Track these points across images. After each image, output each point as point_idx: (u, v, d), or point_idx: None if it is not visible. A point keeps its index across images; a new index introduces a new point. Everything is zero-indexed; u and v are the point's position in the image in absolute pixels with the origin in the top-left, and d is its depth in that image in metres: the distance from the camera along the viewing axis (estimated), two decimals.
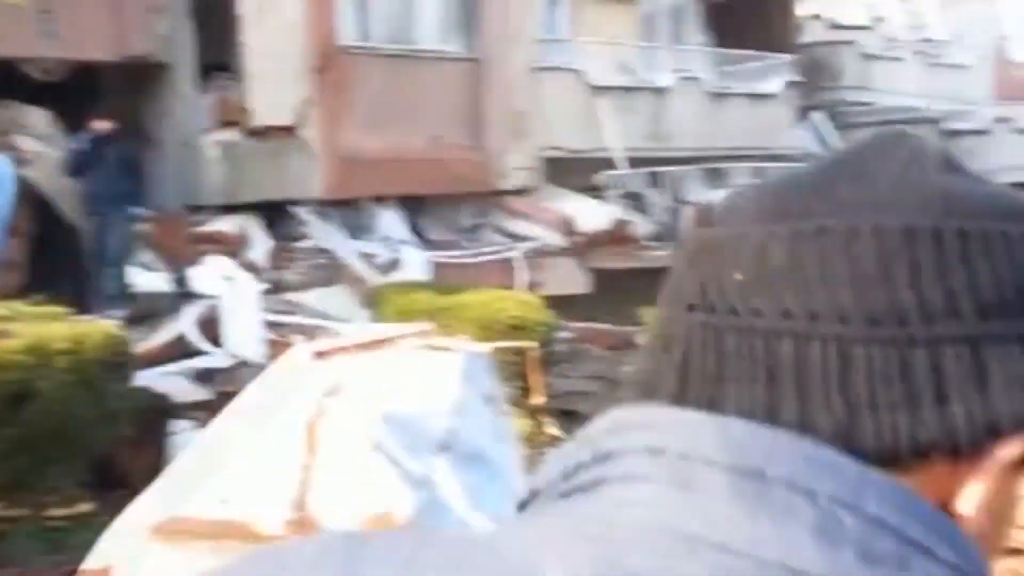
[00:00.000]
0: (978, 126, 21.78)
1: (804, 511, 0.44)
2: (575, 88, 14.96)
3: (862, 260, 0.48)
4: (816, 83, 20.27)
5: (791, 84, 17.94)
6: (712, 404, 0.49)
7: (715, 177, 15.63)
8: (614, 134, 14.84)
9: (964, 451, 0.48)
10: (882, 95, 20.95)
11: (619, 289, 12.32)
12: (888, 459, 0.47)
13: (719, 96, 16.87)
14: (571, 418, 7.56)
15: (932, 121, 20.66)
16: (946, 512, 0.47)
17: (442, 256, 12.34)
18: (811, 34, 22.16)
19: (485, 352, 4.48)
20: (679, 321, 0.52)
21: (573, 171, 14.57)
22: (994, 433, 0.48)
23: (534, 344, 6.02)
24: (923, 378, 0.47)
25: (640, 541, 0.44)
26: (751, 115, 17.19)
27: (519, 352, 6.38)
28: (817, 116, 19.76)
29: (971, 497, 0.48)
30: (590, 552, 0.44)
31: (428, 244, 12.93)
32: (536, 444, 6.67)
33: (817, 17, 23.34)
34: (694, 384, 0.50)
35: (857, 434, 0.47)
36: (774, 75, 17.74)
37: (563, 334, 9.69)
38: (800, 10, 21.18)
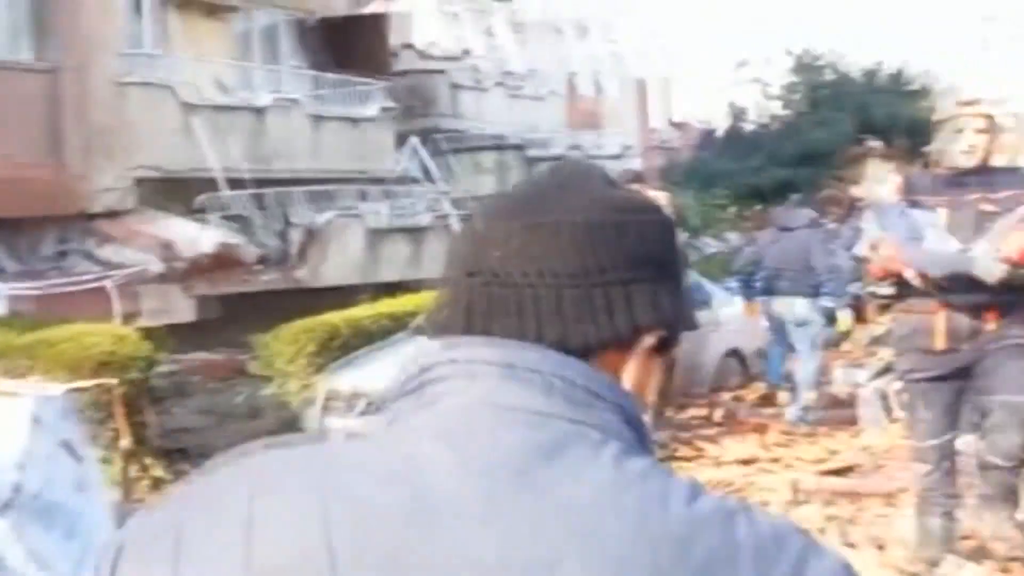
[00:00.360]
0: (555, 152, 23.84)
1: (536, 381, 0.78)
2: (168, 105, 14.14)
3: (565, 241, 0.82)
4: (412, 109, 20.98)
5: (388, 109, 18.38)
6: (486, 332, 0.82)
7: (321, 199, 15.55)
8: (213, 154, 14.23)
9: (624, 345, 0.84)
10: (472, 123, 22.19)
11: (228, 316, 11.80)
12: (585, 353, 0.82)
13: (319, 118, 16.85)
14: (181, 456, 7.06)
15: (517, 148, 22.26)
16: (617, 382, 0.84)
17: (19, 288, 11.02)
18: (406, 62, 22.94)
19: (60, 394, 4.02)
20: (462, 283, 0.84)
21: (172, 192, 13.77)
22: (639, 333, 0.84)
23: (114, 381, 5.49)
24: (600, 305, 0.82)
25: (451, 413, 0.78)
26: (351, 138, 17.37)
27: (109, 391, 5.81)
28: (415, 141, 20.43)
29: (629, 371, 0.85)
30: (426, 424, 0.78)
31: (2, 275, 11.50)
32: (134, 488, 6.13)
33: (411, 46, 24.21)
34: (475, 322, 0.83)
35: (567, 340, 0.81)
36: (371, 100, 18.07)
37: (166, 367, 9.05)
38: (394, 38, 21.84)
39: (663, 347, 0.87)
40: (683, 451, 6.94)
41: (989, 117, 3.72)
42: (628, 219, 0.85)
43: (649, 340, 0.85)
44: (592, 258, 0.81)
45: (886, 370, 6.90)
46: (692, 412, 8.19)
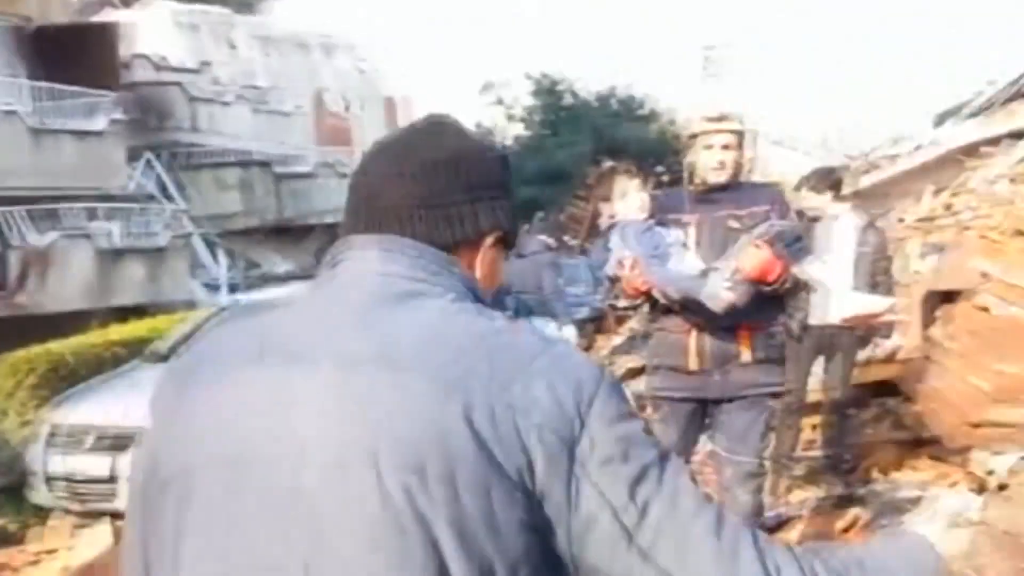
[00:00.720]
0: (305, 170, 23.35)
1: (404, 259, 1.15)
2: None
3: (426, 175, 1.19)
4: (146, 123, 19.86)
5: (118, 122, 17.26)
6: (379, 231, 1.19)
7: (45, 219, 14.32)
8: None
9: (473, 243, 1.21)
10: (213, 137, 21.31)
11: None
12: (444, 248, 1.18)
13: (40, 132, 15.54)
14: None
15: (264, 164, 21.61)
16: (466, 267, 1.21)
17: None
18: (139, 73, 21.70)
19: None
20: (359, 205, 1.22)
21: None
22: (482, 235, 1.21)
23: None
24: (452, 217, 1.19)
25: (352, 280, 1.16)
26: (78, 153, 16.14)
27: None
28: (150, 156, 19.34)
29: (478, 261, 1.22)
30: (334, 289, 1.16)
31: None
32: None
33: (144, 57, 22.94)
34: (369, 225, 1.20)
35: (431, 239, 1.18)
36: (99, 113, 16.90)
37: None
38: (125, 48, 20.60)
39: (502, 245, 1.26)
40: None
41: (738, 133, 3.69)
42: (472, 156, 1.24)
43: (490, 240, 1.23)
44: (445, 185, 1.20)
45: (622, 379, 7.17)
46: None
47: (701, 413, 3.66)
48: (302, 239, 23.01)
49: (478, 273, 1.22)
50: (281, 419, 1.04)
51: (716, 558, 1.02)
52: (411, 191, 1.19)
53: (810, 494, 4.79)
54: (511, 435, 1.01)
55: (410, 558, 0.98)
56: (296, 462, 1.02)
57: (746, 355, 3.51)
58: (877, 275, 4.69)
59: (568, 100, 28.79)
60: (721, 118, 3.70)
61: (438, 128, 1.26)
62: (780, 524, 4.41)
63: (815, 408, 5.67)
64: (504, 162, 1.29)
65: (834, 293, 3.63)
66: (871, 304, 3.65)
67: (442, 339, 1.07)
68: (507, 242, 1.26)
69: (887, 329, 5.20)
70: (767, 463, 3.81)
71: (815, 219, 4.83)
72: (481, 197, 1.22)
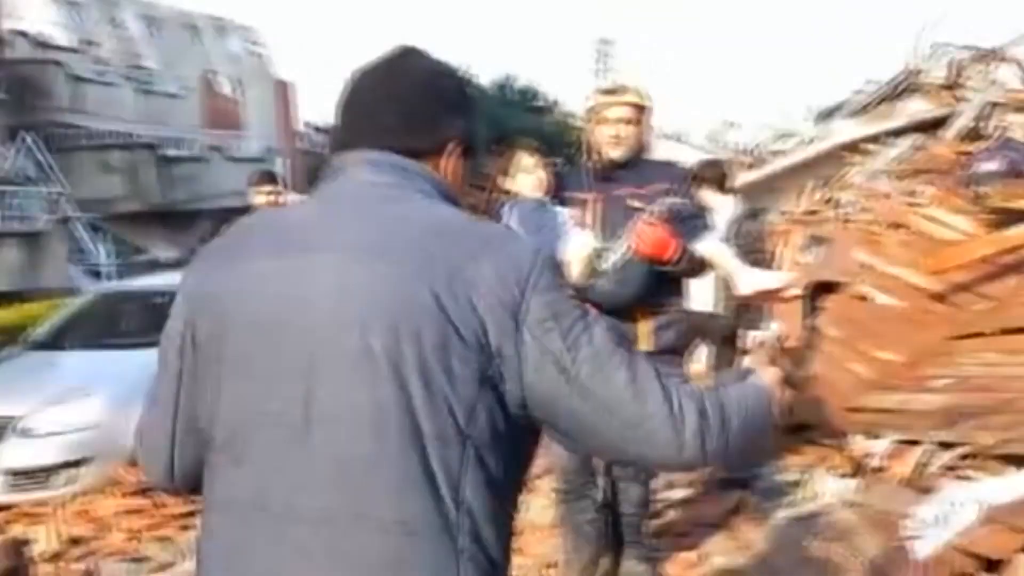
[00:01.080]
0: (193, 153, 22.72)
1: (385, 168, 1.46)
2: None
3: (397, 97, 1.51)
4: (23, 102, 19.02)
5: None
6: (368, 145, 1.49)
7: None
8: None
9: (440, 151, 1.51)
10: (96, 119, 20.54)
11: None
12: (417, 156, 1.49)
13: None
14: None
15: (149, 147, 20.92)
16: (436, 171, 1.51)
17: None
18: (16, 51, 20.75)
19: None
20: (352, 122, 1.52)
21: None
22: (447, 143, 1.52)
23: None
24: (420, 129, 1.49)
25: (348, 189, 1.46)
26: None
27: None
28: (27, 136, 18.52)
29: (445, 167, 1.52)
30: (335, 196, 1.47)
31: None
32: None
33: (23, 34, 21.95)
34: (356, 142, 1.49)
35: (407, 148, 1.48)
36: None
37: None
38: (4, 25, 19.67)
39: (466, 153, 1.55)
40: None
41: (636, 107, 3.49)
42: (438, 79, 1.54)
43: (453, 147, 1.52)
44: (418, 105, 1.50)
45: None
46: None
47: None
48: (189, 224, 22.38)
49: (449, 176, 1.53)
50: (294, 293, 1.36)
51: (630, 388, 1.35)
52: (392, 110, 1.50)
53: (694, 477, 4.89)
54: (467, 306, 1.32)
55: (384, 397, 1.30)
56: (304, 324, 1.34)
57: (643, 343, 3.32)
58: (758, 264, 4.80)
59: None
60: (617, 90, 3.54)
61: (410, 58, 1.55)
62: (664, 508, 4.50)
63: None
64: (463, 83, 1.62)
65: (734, 270, 3.54)
66: (773, 279, 3.64)
67: (414, 231, 1.38)
68: (469, 151, 1.56)
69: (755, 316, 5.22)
70: None
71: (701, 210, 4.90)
72: (447, 112, 1.53)
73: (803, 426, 5.19)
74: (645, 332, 3.36)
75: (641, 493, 3.59)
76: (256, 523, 1.35)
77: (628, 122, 3.46)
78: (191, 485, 1.50)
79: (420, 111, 1.50)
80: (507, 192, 3.75)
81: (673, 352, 3.43)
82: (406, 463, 1.30)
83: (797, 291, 3.87)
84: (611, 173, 3.47)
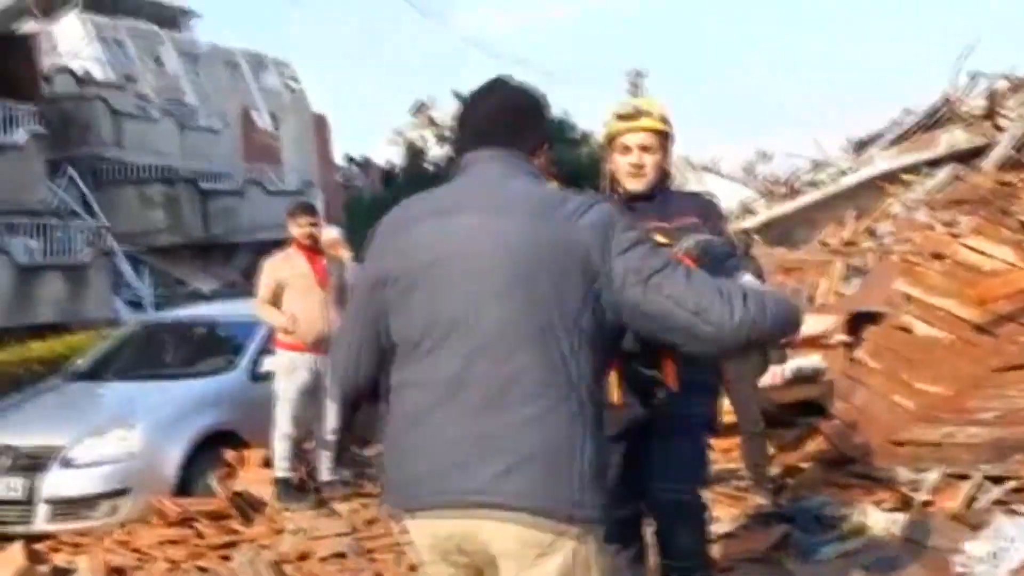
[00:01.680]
0: (232, 187, 23.01)
1: (502, 159, 2.16)
2: None
3: (511, 111, 2.23)
4: (67, 137, 19.39)
5: (38, 136, 16.78)
6: (488, 146, 2.18)
7: None
8: None
9: (536, 150, 2.23)
10: (137, 153, 20.88)
11: None
12: (526, 152, 2.20)
13: None
14: None
15: (190, 181, 21.23)
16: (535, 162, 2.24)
17: None
18: (60, 87, 21.20)
19: None
20: (473, 131, 2.23)
21: None
22: (540, 145, 2.24)
23: None
24: (528, 134, 2.22)
25: (480, 174, 2.15)
26: None
27: None
28: (72, 171, 18.87)
29: (538, 161, 2.23)
30: (471, 179, 2.16)
31: None
32: None
33: (66, 70, 22.43)
34: (481, 143, 2.19)
35: (518, 147, 2.19)
36: (19, 126, 16.42)
37: None
38: (47, 60, 20.12)
39: (548, 151, 2.24)
40: (368, 487, 6.81)
41: (658, 133, 3.20)
42: (530, 98, 2.24)
43: (541, 146, 2.21)
44: (522, 116, 2.20)
45: None
46: (377, 448, 8.08)
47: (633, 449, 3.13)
48: (229, 257, 22.62)
49: (540, 167, 2.20)
50: (459, 240, 2.04)
51: (690, 286, 1.98)
52: (503, 121, 2.18)
53: (738, 511, 4.83)
54: (575, 244, 1.99)
55: (528, 303, 1.98)
56: (470, 260, 2.02)
57: (672, 382, 2.83)
58: None
59: None
60: (634, 114, 3.22)
61: (507, 83, 2.26)
62: (710, 541, 4.45)
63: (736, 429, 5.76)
64: (545, 99, 2.28)
65: None
66: (817, 324, 3.36)
67: (532, 197, 2.08)
68: (550, 149, 2.26)
69: (781, 354, 5.04)
70: (706, 496, 3.34)
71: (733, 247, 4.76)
72: (536, 122, 2.24)
73: (847, 459, 5.12)
74: (672, 374, 2.85)
75: (689, 543, 3.13)
76: (441, 392, 2.00)
77: (647, 149, 3.19)
78: (368, 390, 2.22)
79: (521, 122, 2.21)
80: None
81: (701, 390, 3.15)
82: (543, 345, 1.96)
83: (842, 336, 3.50)
84: (634, 204, 3.17)
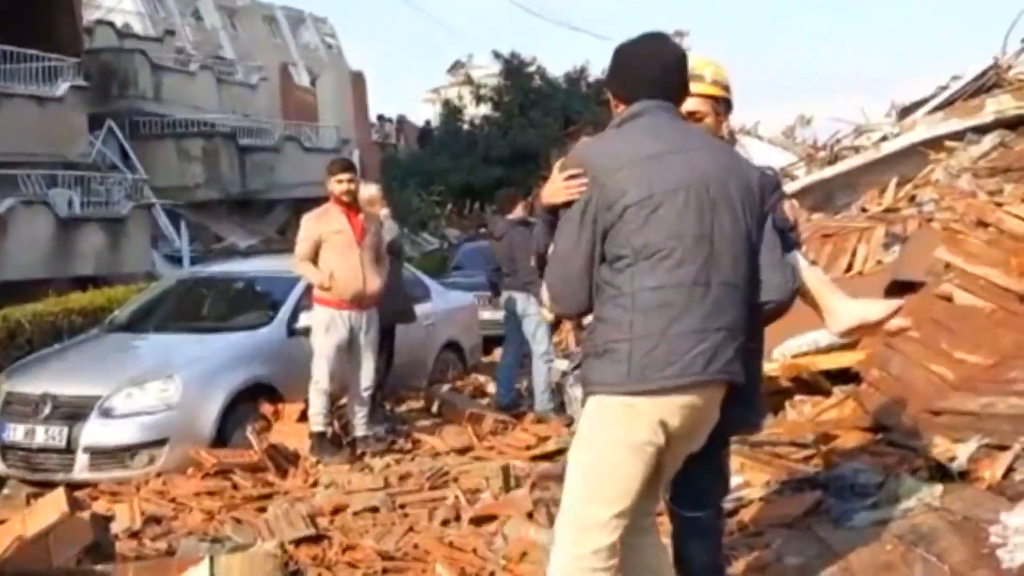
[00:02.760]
0: (269, 143, 23.06)
1: (671, 110, 2.75)
2: None
3: (675, 66, 2.75)
4: (107, 90, 19.49)
5: (79, 89, 16.88)
6: (658, 97, 2.71)
7: (6, 184, 14.01)
8: None
9: (679, 103, 2.87)
10: (176, 107, 20.96)
11: None
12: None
13: (1, 97, 15.15)
14: None
15: (227, 135, 21.28)
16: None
17: None
18: (100, 40, 21.29)
19: None
20: (645, 82, 2.71)
21: None
22: (684, 97, 2.89)
23: None
24: (681, 91, 2.80)
25: (659, 121, 2.69)
26: (37, 119, 15.77)
27: None
28: (112, 124, 18.98)
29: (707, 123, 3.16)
30: (654, 124, 2.68)
31: None
32: None
33: (107, 23, 22.52)
34: (652, 94, 2.70)
35: (677, 103, 2.78)
36: (60, 79, 16.52)
37: None
38: (87, 14, 20.19)
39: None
40: (401, 443, 6.87)
41: (710, 98, 3.05)
42: (681, 57, 2.76)
43: (684, 102, 2.84)
44: (680, 78, 2.75)
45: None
46: (411, 405, 8.14)
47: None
48: (265, 213, 22.73)
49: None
50: (691, 172, 2.59)
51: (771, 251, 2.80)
52: (678, 78, 2.70)
53: (770, 476, 4.81)
54: (756, 186, 2.73)
55: (742, 222, 2.65)
56: (700, 189, 2.58)
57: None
58: None
59: (537, 81, 28.64)
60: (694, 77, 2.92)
61: (672, 42, 2.76)
62: (739, 507, 4.44)
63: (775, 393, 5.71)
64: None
65: (829, 300, 3.08)
66: (877, 309, 3.12)
67: (721, 145, 2.82)
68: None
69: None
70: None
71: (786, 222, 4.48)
72: (686, 79, 2.75)
73: (883, 428, 5.08)
74: None
75: (703, 559, 3.00)
76: (689, 293, 2.54)
77: (700, 116, 3.00)
78: (588, 306, 2.64)
79: (685, 81, 2.73)
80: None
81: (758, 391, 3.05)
82: (746, 254, 2.66)
83: (902, 322, 3.22)
84: None
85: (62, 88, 16.38)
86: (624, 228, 2.53)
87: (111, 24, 22.61)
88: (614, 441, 2.57)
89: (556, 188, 2.68)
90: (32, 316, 8.29)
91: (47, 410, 6.37)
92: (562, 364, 8.15)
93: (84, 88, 17.07)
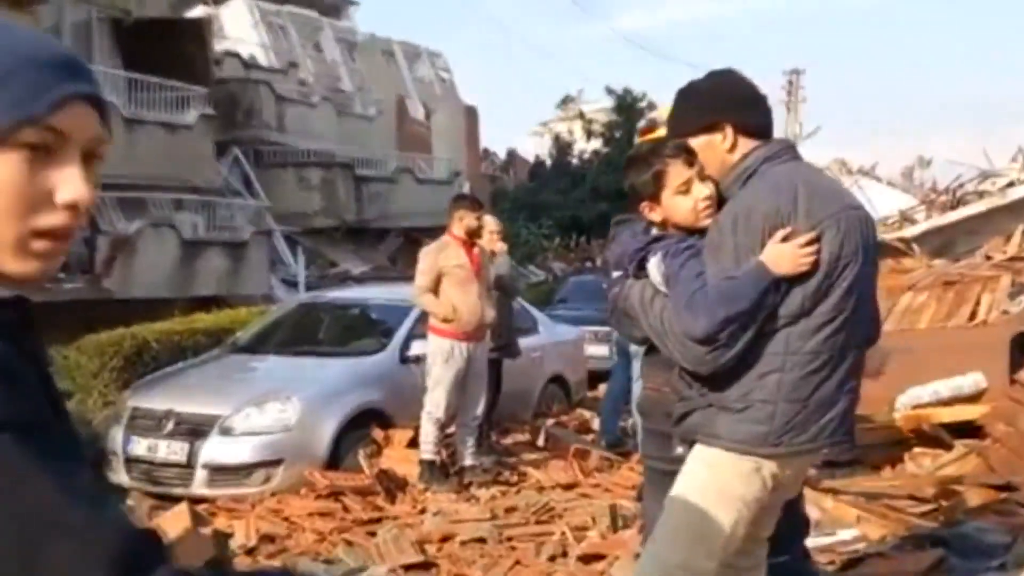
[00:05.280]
0: (385, 174, 23.60)
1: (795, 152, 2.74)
2: None
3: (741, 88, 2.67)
4: (233, 119, 20.26)
5: (207, 117, 17.62)
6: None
7: (133, 207, 14.70)
8: None
9: None
10: (297, 137, 21.65)
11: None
12: None
13: (133, 122, 15.94)
14: None
15: (345, 166, 21.88)
16: None
17: None
18: (228, 70, 22.17)
19: None
20: (767, 121, 2.65)
21: None
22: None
23: None
24: None
25: (804, 165, 2.68)
26: (168, 145, 16.50)
27: None
28: (237, 152, 19.72)
29: None
30: (804, 167, 2.69)
31: None
32: None
33: (234, 55, 23.44)
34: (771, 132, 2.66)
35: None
36: (190, 107, 17.28)
37: None
38: (216, 45, 21.07)
39: None
40: (507, 475, 6.90)
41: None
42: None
43: None
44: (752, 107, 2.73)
45: None
46: (516, 437, 8.18)
47: None
48: (378, 242, 23.24)
49: None
50: (858, 227, 2.51)
51: None
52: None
53: (887, 530, 4.67)
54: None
55: (874, 286, 2.68)
56: (870, 250, 2.54)
57: None
58: None
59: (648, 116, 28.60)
60: (652, 127, 3.31)
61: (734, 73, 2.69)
62: (858, 559, 4.32)
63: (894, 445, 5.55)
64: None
65: None
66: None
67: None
68: None
69: None
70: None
71: None
72: None
73: (1009, 487, 4.88)
74: None
75: None
76: (836, 358, 2.47)
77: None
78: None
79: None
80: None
81: None
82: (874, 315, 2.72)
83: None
84: None
85: (192, 116, 17.12)
86: (805, 287, 2.43)
87: (238, 55, 23.55)
88: (729, 495, 2.53)
89: (791, 256, 2.40)
90: (159, 335, 8.65)
91: (170, 426, 6.62)
92: None
93: (212, 117, 17.80)
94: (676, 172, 2.61)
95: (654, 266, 2.61)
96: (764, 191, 2.47)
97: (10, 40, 0.93)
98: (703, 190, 2.60)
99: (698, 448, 2.57)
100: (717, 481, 2.53)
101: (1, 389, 0.84)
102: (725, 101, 2.57)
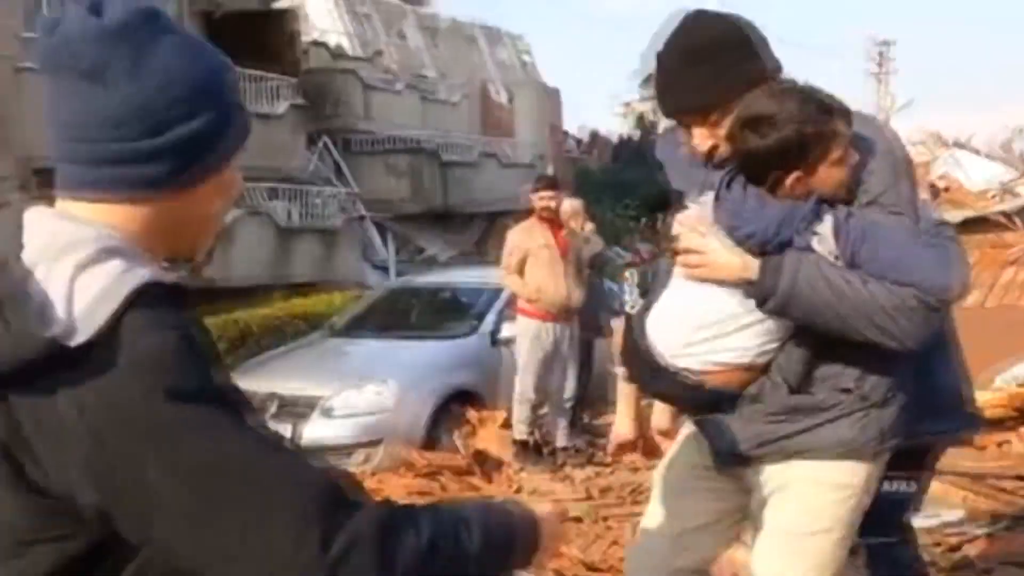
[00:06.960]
0: (469, 159, 23.75)
1: None
2: None
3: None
4: (322, 108, 20.61)
5: (297, 107, 17.98)
6: None
7: None
8: None
9: None
10: (385, 125, 21.92)
11: None
12: None
13: None
14: None
15: (431, 152, 22.08)
16: None
17: None
18: (315, 60, 22.54)
19: None
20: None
21: None
22: None
23: None
24: None
25: None
26: (260, 135, 16.86)
27: None
28: (327, 140, 20.07)
29: None
30: None
31: None
32: None
33: (322, 44, 23.82)
34: None
35: None
36: (280, 97, 17.66)
37: None
38: (303, 36, 21.44)
39: None
40: (600, 456, 6.94)
41: None
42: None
43: None
44: (734, 69, 2.23)
45: None
46: (607, 418, 8.21)
47: None
48: (465, 227, 23.41)
49: None
50: None
51: None
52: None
53: (996, 511, 4.57)
54: None
55: None
56: None
57: None
58: None
59: None
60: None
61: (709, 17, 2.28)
62: (963, 542, 4.23)
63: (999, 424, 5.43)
64: None
65: None
66: None
67: None
68: None
69: None
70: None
71: None
72: None
73: None
74: None
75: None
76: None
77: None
78: None
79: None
80: None
81: None
82: None
83: None
84: None
85: (283, 106, 17.50)
86: None
87: (324, 45, 23.91)
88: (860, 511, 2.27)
89: None
90: (260, 320, 8.92)
91: (274, 408, 6.82)
92: None
93: (302, 106, 18.16)
94: (842, 137, 2.06)
95: (828, 230, 2.04)
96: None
97: (233, 76, 1.17)
98: (855, 156, 2.08)
99: (828, 467, 2.18)
100: (860, 503, 2.23)
101: (199, 363, 0.94)
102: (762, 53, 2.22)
